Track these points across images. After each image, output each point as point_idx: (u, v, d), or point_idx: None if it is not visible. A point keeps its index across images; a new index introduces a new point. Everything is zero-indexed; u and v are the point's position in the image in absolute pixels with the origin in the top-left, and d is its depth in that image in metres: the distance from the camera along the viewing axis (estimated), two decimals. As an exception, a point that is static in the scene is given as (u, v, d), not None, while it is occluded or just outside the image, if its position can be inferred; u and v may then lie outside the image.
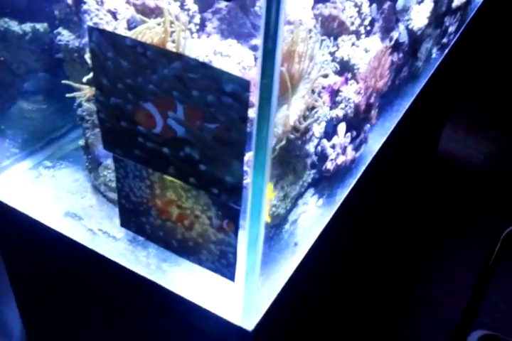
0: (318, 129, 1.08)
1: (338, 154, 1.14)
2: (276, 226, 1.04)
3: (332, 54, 1.23)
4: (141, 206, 0.87)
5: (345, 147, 1.19)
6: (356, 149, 1.26)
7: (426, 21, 1.51)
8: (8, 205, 1.11)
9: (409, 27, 1.45)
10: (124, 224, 0.93)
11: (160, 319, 1.07)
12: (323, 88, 1.11)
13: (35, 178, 1.16)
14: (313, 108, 1.01)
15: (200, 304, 0.92)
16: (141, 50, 0.70)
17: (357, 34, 1.32)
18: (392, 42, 1.36)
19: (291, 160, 1.01)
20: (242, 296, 0.84)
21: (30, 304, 1.39)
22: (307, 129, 1.00)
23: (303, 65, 0.97)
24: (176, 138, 0.74)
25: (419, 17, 1.49)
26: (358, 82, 1.22)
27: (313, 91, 1.01)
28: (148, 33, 0.85)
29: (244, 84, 0.63)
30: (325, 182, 1.16)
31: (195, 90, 0.68)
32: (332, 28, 1.25)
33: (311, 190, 1.14)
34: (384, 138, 1.38)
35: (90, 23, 0.93)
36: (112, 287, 1.08)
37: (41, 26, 1.08)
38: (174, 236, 0.85)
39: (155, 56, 0.70)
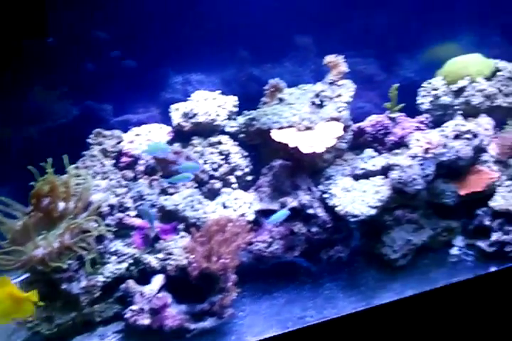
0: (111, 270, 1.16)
1: (141, 311, 1.22)
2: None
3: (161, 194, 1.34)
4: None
5: (162, 306, 1.25)
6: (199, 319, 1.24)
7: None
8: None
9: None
10: None
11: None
12: (136, 228, 1.18)
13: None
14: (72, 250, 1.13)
15: None
16: None
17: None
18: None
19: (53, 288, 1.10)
20: None
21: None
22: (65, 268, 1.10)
23: (68, 204, 1.10)
24: None
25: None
26: (195, 241, 1.24)
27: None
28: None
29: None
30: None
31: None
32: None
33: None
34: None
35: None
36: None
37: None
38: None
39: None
